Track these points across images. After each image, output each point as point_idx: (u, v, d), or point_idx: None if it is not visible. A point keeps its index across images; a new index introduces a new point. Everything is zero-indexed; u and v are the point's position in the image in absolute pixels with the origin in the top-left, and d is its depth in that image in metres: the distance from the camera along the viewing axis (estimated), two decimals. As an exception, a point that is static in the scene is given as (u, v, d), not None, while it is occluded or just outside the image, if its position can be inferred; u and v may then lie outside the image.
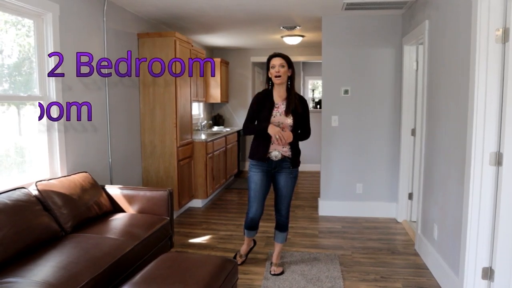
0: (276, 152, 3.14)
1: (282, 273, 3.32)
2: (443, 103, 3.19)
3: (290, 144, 3.15)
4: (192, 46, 5.21)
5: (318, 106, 8.87)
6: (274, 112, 3.13)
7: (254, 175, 3.20)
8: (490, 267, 2.55)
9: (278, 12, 4.64)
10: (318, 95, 10.43)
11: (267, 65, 3.18)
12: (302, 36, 6.11)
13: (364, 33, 4.75)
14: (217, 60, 7.04)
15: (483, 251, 2.57)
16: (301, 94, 9.59)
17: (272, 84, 3.20)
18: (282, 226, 3.36)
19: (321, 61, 4.94)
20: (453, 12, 2.99)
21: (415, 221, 4.22)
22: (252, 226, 3.36)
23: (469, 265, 2.60)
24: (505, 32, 2.37)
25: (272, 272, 3.30)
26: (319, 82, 10.51)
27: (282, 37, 6.21)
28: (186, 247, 3.97)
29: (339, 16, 4.75)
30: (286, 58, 3.13)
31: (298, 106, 3.14)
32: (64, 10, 3.35)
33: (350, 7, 4.29)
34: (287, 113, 3.11)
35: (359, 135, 4.87)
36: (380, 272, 3.37)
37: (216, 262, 2.49)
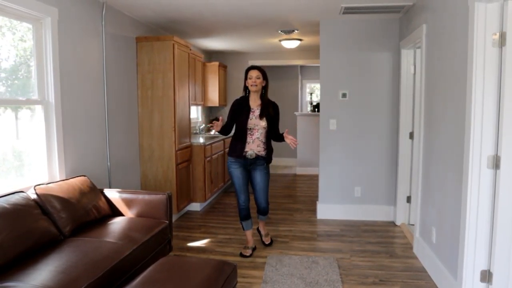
0: (251, 151, 3.69)
1: (271, 242, 4.06)
2: (441, 107, 3.21)
3: (265, 144, 3.71)
4: (190, 49, 5.22)
5: (316, 110, 8.89)
6: (251, 116, 3.68)
7: (235, 171, 3.74)
8: (489, 270, 2.56)
9: (276, 16, 4.66)
10: (316, 98, 10.44)
11: (245, 76, 3.72)
12: (300, 39, 6.13)
13: (362, 37, 4.77)
14: (215, 64, 7.05)
15: (481, 254, 2.57)
16: (299, 97, 9.67)
17: (249, 92, 3.74)
18: (264, 211, 3.94)
19: (319, 65, 4.96)
20: (450, 16, 3.01)
21: (413, 224, 4.23)
22: (245, 215, 3.84)
23: (468, 268, 2.61)
24: (502, 36, 2.39)
25: (266, 242, 4.03)
26: (317, 86, 10.54)
27: (280, 40, 6.23)
28: (185, 250, 3.96)
29: (337, 20, 4.77)
30: (261, 71, 3.70)
31: (271, 111, 3.71)
32: (63, 14, 3.35)
33: (348, 11, 4.31)
34: (261, 116, 3.66)
35: (357, 138, 4.89)
36: (379, 275, 3.38)
37: (215, 265, 2.49)
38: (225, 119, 3.88)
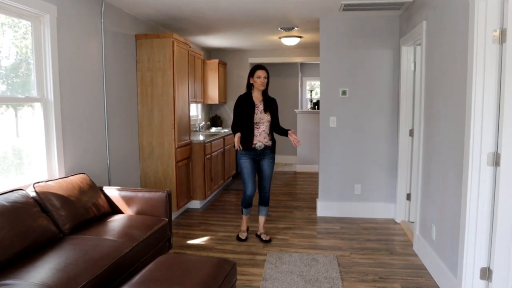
0: (260, 143, 4.00)
1: (270, 240, 4.11)
2: (441, 104, 3.20)
3: (270, 135, 4.04)
4: (190, 47, 5.21)
5: (316, 107, 8.88)
6: (256, 111, 3.97)
7: (245, 162, 4.02)
8: (488, 267, 2.56)
9: (276, 13, 4.65)
10: (316, 96, 10.43)
11: (252, 73, 3.98)
12: (300, 37, 6.12)
13: (362, 34, 4.76)
14: (215, 61, 7.04)
15: (481, 251, 2.57)
16: (299, 95, 9.66)
17: (252, 88, 4.02)
18: (265, 200, 4.19)
19: (319, 62, 4.95)
20: (450, 13, 3.00)
21: (413, 222, 4.23)
22: (249, 203, 4.16)
23: (467, 266, 2.61)
24: (502, 33, 2.38)
25: (264, 239, 4.11)
26: (317, 83, 10.52)
27: (280, 38, 6.22)
28: (185, 248, 3.97)
29: (336, 17, 4.75)
30: (267, 71, 4.01)
31: (272, 105, 4.05)
32: (61, 11, 3.34)
33: (347, 8, 4.30)
34: (265, 111, 4.00)
35: (357, 136, 4.88)
36: (379, 272, 3.38)
37: (215, 263, 2.49)
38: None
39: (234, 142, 3.90)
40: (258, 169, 4.11)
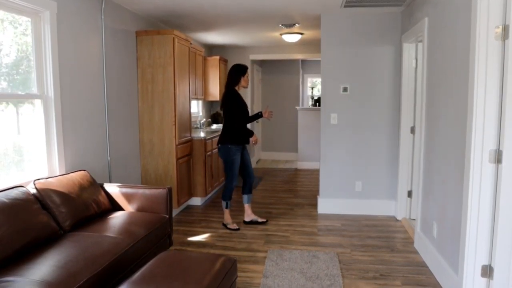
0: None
1: (267, 220, 4.55)
2: (443, 101, 3.19)
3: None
4: (190, 43, 5.19)
5: (317, 104, 8.86)
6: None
7: (237, 158, 4.33)
8: (490, 265, 2.55)
9: (277, 9, 4.63)
10: (317, 93, 10.42)
11: (244, 73, 4.32)
12: (301, 33, 6.09)
13: (363, 30, 4.74)
14: (216, 58, 7.02)
15: (482, 249, 2.56)
16: (300, 92, 9.65)
17: (236, 85, 4.33)
18: (251, 187, 4.53)
19: (320, 59, 4.93)
20: (452, 9, 2.98)
21: (414, 219, 4.22)
22: (231, 195, 4.46)
23: (469, 263, 2.60)
24: (505, 29, 2.36)
25: (261, 220, 4.52)
26: (318, 80, 10.50)
27: (281, 34, 6.20)
28: (185, 245, 3.97)
29: (338, 14, 4.73)
30: None
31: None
32: (61, 8, 3.33)
33: (349, 4, 4.28)
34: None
35: (358, 133, 4.87)
36: (379, 270, 3.37)
37: (215, 260, 2.49)
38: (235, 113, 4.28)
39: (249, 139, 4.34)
40: (242, 159, 4.43)
